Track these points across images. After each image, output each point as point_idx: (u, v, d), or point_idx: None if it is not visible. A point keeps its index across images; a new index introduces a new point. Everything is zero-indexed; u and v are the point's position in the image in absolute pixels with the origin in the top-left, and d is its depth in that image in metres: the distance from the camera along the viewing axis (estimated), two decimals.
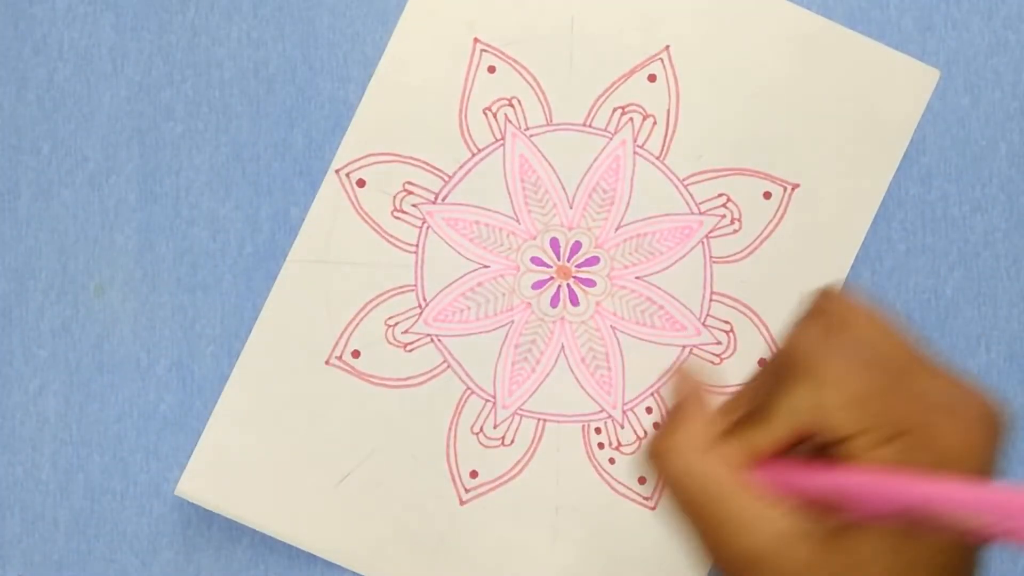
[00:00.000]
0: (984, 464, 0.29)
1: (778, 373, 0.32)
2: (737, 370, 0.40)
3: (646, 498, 0.40)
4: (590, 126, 0.40)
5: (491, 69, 0.40)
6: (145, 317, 0.41)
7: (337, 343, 0.40)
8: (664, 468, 0.33)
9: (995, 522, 0.26)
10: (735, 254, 0.40)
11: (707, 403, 0.34)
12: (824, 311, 0.34)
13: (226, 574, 0.41)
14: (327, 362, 0.40)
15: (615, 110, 0.40)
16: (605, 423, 0.40)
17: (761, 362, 0.40)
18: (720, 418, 0.33)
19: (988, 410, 0.31)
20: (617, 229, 0.40)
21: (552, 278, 0.40)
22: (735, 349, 0.40)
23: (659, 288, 0.40)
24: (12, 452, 0.41)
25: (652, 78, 0.40)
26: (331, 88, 0.41)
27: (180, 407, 0.41)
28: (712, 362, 0.40)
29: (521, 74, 0.40)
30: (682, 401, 0.34)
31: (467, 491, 0.40)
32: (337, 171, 0.40)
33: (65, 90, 0.42)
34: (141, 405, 0.41)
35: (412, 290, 0.40)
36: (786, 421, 0.32)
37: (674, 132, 0.40)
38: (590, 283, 0.40)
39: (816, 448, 0.31)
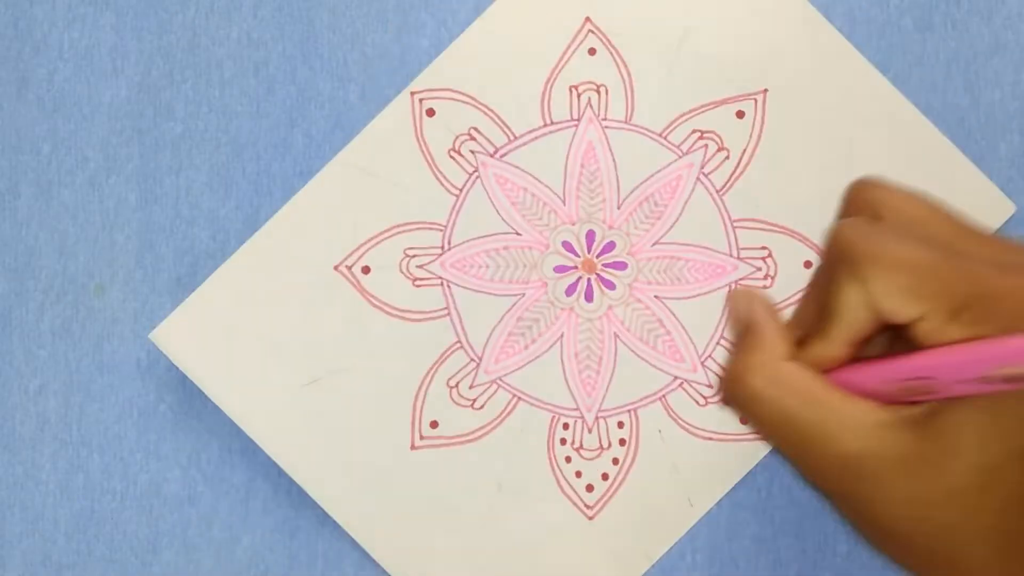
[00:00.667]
0: None
1: (829, 274, 0.32)
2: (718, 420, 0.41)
3: (588, 506, 0.40)
4: (665, 139, 0.40)
5: (591, 51, 0.40)
6: (145, 317, 0.41)
7: (352, 253, 0.40)
8: (745, 389, 0.32)
9: None
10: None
11: (775, 318, 0.34)
12: (861, 201, 0.33)
13: (226, 574, 0.41)
14: (336, 267, 0.40)
15: (694, 131, 0.40)
16: (575, 422, 0.40)
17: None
18: (790, 330, 0.33)
19: None
20: (654, 244, 0.40)
21: (576, 268, 0.40)
22: None
23: (673, 315, 0.40)
24: (12, 452, 0.41)
25: (740, 114, 0.40)
26: (331, 88, 0.41)
27: (180, 407, 0.41)
28: (704, 395, 0.40)
29: (618, 66, 0.40)
30: (749, 321, 0.34)
31: (421, 438, 0.40)
32: (413, 93, 0.40)
33: (65, 90, 0.42)
34: (141, 405, 0.41)
35: (441, 229, 0.40)
36: (847, 322, 0.31)
37: (742, 172, 0.40)
38: (610, 285, 0.40)
39: (898, 336, 0.31)
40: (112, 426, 0.41)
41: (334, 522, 0.41)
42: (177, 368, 0.41)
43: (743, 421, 0.38)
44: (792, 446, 0.32)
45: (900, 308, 0.30)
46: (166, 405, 0.41)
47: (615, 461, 0.40)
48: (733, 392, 0.33)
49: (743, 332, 0.34)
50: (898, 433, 0.30)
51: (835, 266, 0.31)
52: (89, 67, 0.42)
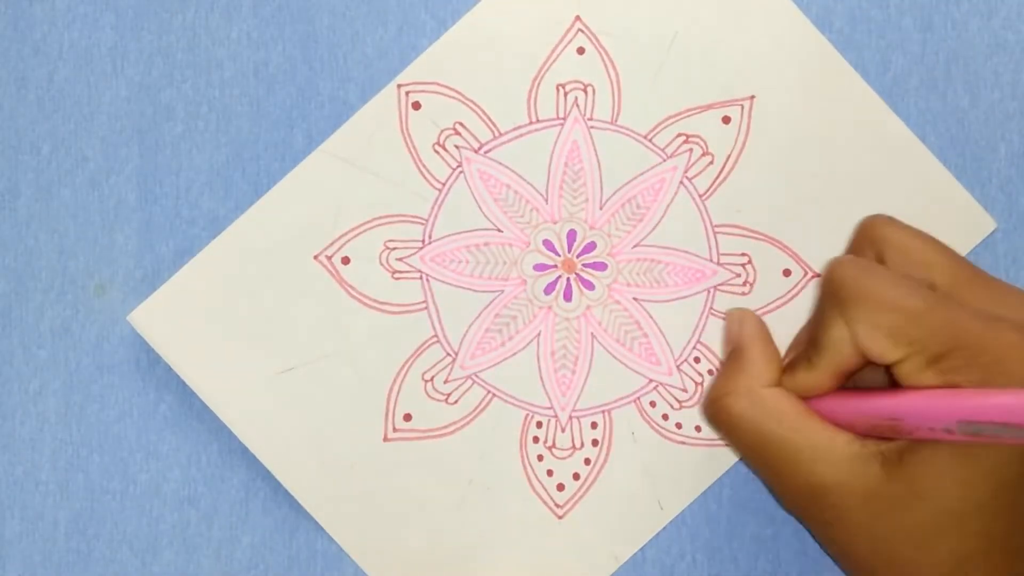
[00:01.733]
0: None
1: (821, 307, 0.32)
2: (691, 423, 0.40)
3: (558, 504, 0.40)
4: (650, 141, 0.40)
5: (580, 50, 0.40)
6: None
7: (332, 243, 0.40)
8: (726, 410, 0.33)
9: None
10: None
11: (764, 342, 0.34)
12: (868, 238, 0.33)
13: (226, 574, 0.41)
14: (315, 257, 0.40)
15: (679, 135, 0.40)
16: (548, 420, 0.40)
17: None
18: (776, 356, 0.33)
19: None
20: (635, 247, 0.40)
21: (556, 266, 0.40)
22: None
23: (651, 318, 0.40)
24: (12, 452, 0.41)
25: (727, 120, 0.40)
26: (331, 88, 0.41)
27: (180, 407, 0.41)
28: (679, 400, 0.40)
29: (606, 66, 0.40)
30: (738, 344, 0.34)
31: (395, 430, 0.40)
32: (400, 85, 0.40)
33: (65, 90, 0.42)
34: (141, 405, 0.41)
35: (422, 223, 0.40)
36: (831, 356, 0.32)
37: (726, 178, 0.40)
38: (589, 286, 0.40)
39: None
40: (112, 426, 0.41)
41: None
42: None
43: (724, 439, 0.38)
44: (767, 469, 0.33)
45: (881, 351, 0.30)
46: (166, 405, 0.41)
47: (587, 461, 0.40)
48: (715, 412, 0.34)
49: (731, 354, 0.34)
50: (868, 467, 0.30)
51: (827, 301, 0.32)
52: (89, 67, 0.42)
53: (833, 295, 0.32)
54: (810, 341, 0.33)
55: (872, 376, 0.33)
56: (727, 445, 0.39)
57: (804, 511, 0.33)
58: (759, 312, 0.39)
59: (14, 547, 0.41)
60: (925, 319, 0.30)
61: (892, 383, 0.31)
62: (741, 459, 0.36)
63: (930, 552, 0.29)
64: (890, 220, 0.33)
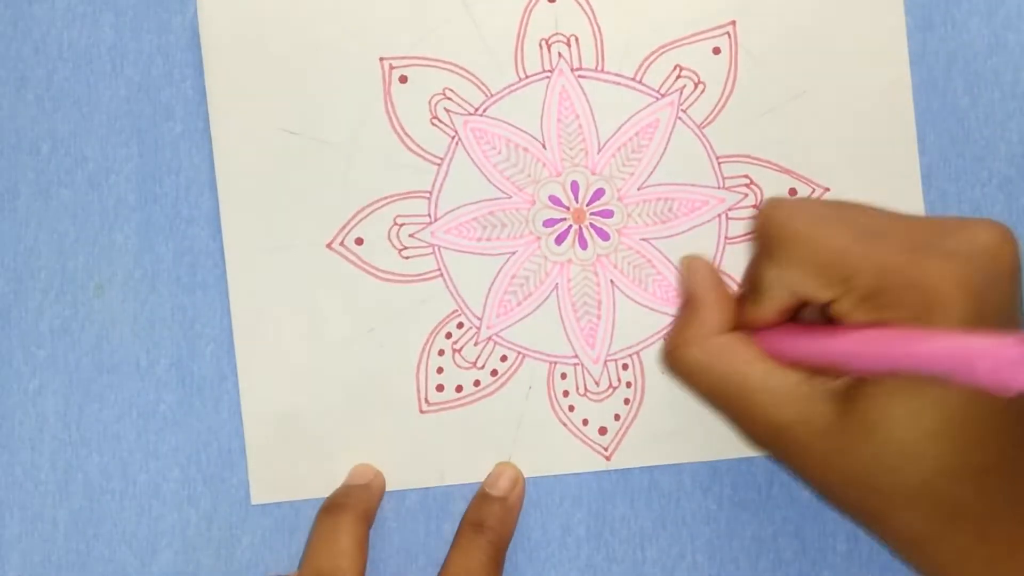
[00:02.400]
0: (988, 299, 0.28)
1: (755, 250, 0.33)
2: None
3: (604, 447, 0.40)
4: (640, 82, 0.40)
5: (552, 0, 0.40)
6: (145, 317, 0.41)
7: (343, 229, 0.40)
8: (682, 360, 0.33)
9: (968, 373, 0.25)
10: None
11: (717, 289, 0.34)
12: (764, 236, 0.33)
13: (226, 574, 0.41)
14: (328, 245, 0.40)
15: (675, 67, 0.40)
16: (575, 369, 0.41)
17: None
18: (728, 302, 0.34)
19: (985, 238, 0.29)
20: (640, 188, 0.40)
21: (565, 218, 0.40)
22: None
23: (663, 255, 0.40)
24: (12, 452, 0.41)
25: (717, 51, 0.40)
26: None
27: (180, 407, 0.41)
28: None
29: (585, 12, 0.40)
30: (690, 293, 0.35)
31: (428, 403, 0.40)
32: (382, 59, 0.40)
33: (65, 90, 0.41)
34: (141, 405, 0.41)
35: (427, 198, 0.40)
36: (771, 298, 0.32)
37: (723, 108, 0.40)
38: (602, 233, 0.41)
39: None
40: (112, 426, 0.41)
41: None
42: (177, 368, 0.41)
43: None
44: (727, 413, 0.33)
45: (812, 291, 0.31)
46: (166, 405, 0.41)
47: (626, 401, 0.41)
48: (671, 362, 0.34)
49: (684, 303, 0.35)
50: (820, 406, 0.30)
51: (758, 244, 0.32)
52: (89, 67, 0.42)
53: (762, 238, 0.32)
54: (750, 282, 0.33)
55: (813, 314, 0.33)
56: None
57: (769, 450, 0.33)
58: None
59: (14, 547, 0.41)
60: (850, 257, 0.30)
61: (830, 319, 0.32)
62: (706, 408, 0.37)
63: (893, 478, 0.30)
64: (780, 206, 0.33)
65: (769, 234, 0.31)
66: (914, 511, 0.30)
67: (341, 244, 0.40)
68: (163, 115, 0.41)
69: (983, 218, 0.30)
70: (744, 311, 0.34)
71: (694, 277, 0.35)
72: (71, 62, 0.42)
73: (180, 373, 0.41)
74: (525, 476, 0.41)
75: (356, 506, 0.39)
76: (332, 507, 0.39)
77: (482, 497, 0.40)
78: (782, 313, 0.33)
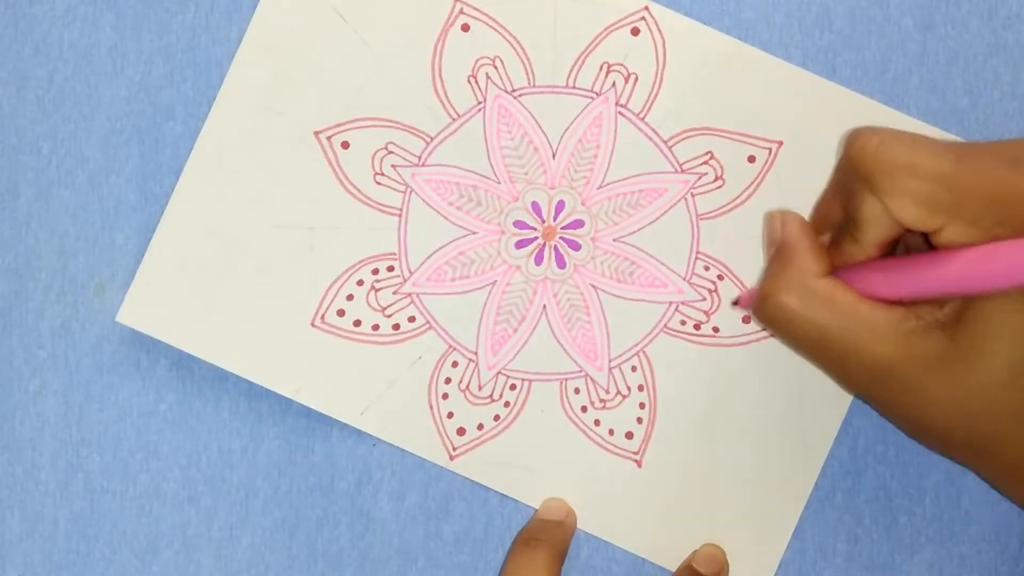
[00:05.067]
0: None
1: (850, 184, 0.32)
2: (725, 324, 0.40)
3: (633, 453, 0.40)
4: (573, 86, 0.40)
5: (635, 31, 0.40)
6: None
7: (320, 304, 0.40)
8: (778, 307, 0.33)
9: None
10: (721, 207, 0.40)
11: (808, 236, 0.34)
12: (857, 172, 0.33)
13: (226, 574, 0.41)
14: (312, 324, 0.40)
15: (602, 66, 0.40)
16: (584, 381, 0.40)
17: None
18: (822, 249, 0.33)
19: None
20: (599, 188, 0.40)
21: (537, 238, 0.40)
22: (718, 305, 0.40)
23: (638, 248, 0.40)
24: (12, 452, 0.41)
25: (635, 31, 0.40)
26: None
27: (180, 407, 0.41)
28: (700, 320, 0.40)
29: (501, 34, 0.40)
30: (782, 241, 0.34)
31: (455, 448, 0.40)
32: (317, 133, 0.40)
33: (65, 90, 0.42)
34: (141, 405, 0.41)
35: (395, 259, 0.40)
36: (873, 230, 0.31)
37: (657, 91, 0.40)
38: (575, 245, 0.40)
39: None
40: (112, 426, 0.41)
41: (334, 522, 0.41)
42: (177, 368, 0.41)
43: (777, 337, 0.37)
44: (829, 359, 0.33)
45: (919, 221, 0.30)
46: (166, 405, 0.41)
47: (641, 405, 0.40)
48: (767, 310, 0.33)
49: (777, 252, 0.34)
50: (928, 338, 0.30)
51: (854, 177, 0.31)
52: (89, 67, 0.42)
53: (858, 171, 0.31)
54: (848, 217, 0.33)
55: (914, 242, 0.33)
56: (783, 342, 0.38)
57: (872, 392, 0.33)
58: (751, 194, 0.40)
59: (14, 547, 0.41)
60: (955, 180, 0.29)
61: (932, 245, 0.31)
62: (803, 356, 0.36)
63: (1005, 401, 0.30)
64: (872, 136, 0.32)
65: (869, 164, 0.30)
66: None
67: (323, 320, 0.40)
68: (163, 115, 0.41)
69: None
70: (840, 249, 0.33)
71: (786, 227, 0.34)
72: (71, 62, 0.42)
73: (180, 373, 0.41)
74: (561, 496, 0.40)
75: (553, 543, 0.38)
76: (530, 541, 0.39)
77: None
78: (882, 247, 0.32)
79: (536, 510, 0.40)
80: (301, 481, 0.41)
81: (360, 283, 0.40)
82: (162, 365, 0.41)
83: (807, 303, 0.32)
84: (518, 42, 0.40)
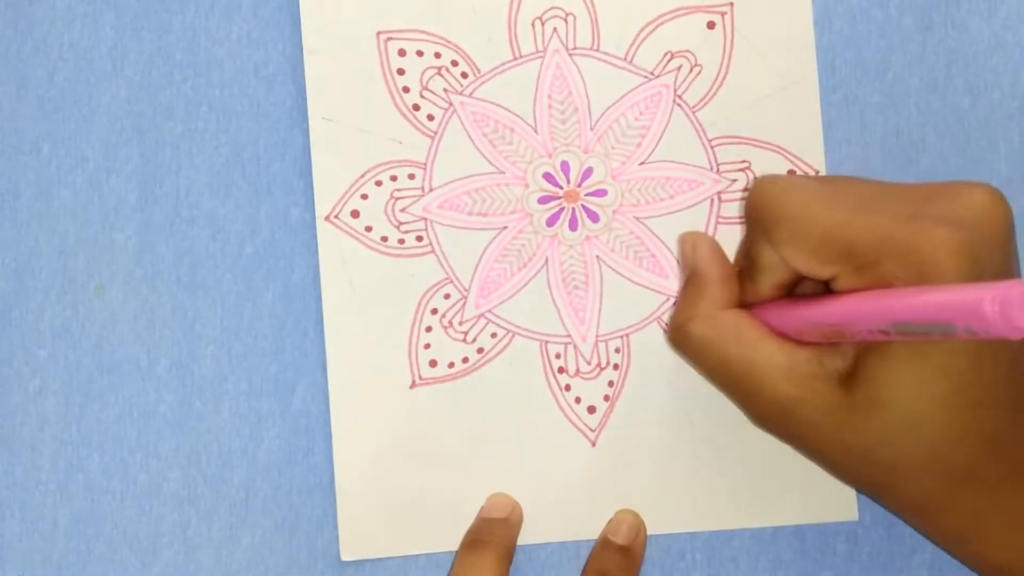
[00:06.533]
0: (984, 261, 0.28)
1: (750, 230, 0.33)
2: None
3: (591, 429, 0.40)
4: (631, 62, 0.40)
5: None
6: (145, 317, 0.41)
7: (339, 202, 0.40)
8: (690, 335, 0.33)
9: (967, 322, 0.24)
10: (743, 217, 0.40)
11: (719, 263, 0.34)
12: (754, 220, 0.33)
13: (226, 574, 0.41)
14: (327, 218, 0.40)
15: (666, 54, 0.40)
16: (566, 348, 0.40)
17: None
18: (731, 277, 0.34)
19: (979, 201, 0.29)
20: (632, 166, 0.40)
21: (559, 198, 0.40)
22: None
23: (654, 233, 0.40)
24: (12, 452, 0.41)
25: (711, 25, 0.40)
26: None
27: (180, 407, 0.41)
28: None
29: None
30: (693, 268, 0.35)
31: (421, 378, 0.40)
32: (379, 33, 0.40)
33: (65, 90, 0.42)
34: (141, 405, 0.41)
35: (422, 168, 0.40)
36: (768, 274, 0.32)
37: (718, 89, 0.40)
38: (593, 216, 0.40)
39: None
40: (112, 426, 0.41)
41: (334, 522, 0.41)
42: (177, 368, 0.41)
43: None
44: (734, 389, 0.33)
45: (812, 270, 0.31)
46: (166, 405, 0.41)
47: (610, 383, 0.40)
48: (678, 339, 0.34)
49: (688, 279, 0.35)
50: (827, 385, 0.31)
51: (752, 224, 0.32)
52: (89, 67, 0.42)
53: (756, 218, 0.32)
54: (747, 260, 0.33)
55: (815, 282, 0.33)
56: (695, 370, 0.39)
57: (775, 427, 0.33)
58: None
59: (14, 547, 0.41)
60: (847, 232, 0.30)
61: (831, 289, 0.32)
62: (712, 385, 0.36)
63: (902, 450, 0.30)
64: (773, 185, 0.33)
65: (764, 213, 0.31)
66: (925, 479, 0.30)
67: (337, 217, 0.40)
68: (163, 115, 0.41)
69: (974, 181, 0.30)
70: (742, 289, 0.34)
71: (698, 253, 0.35)
72: (71, 62, 0.42)
73: (180, 373, 0.41)
74: (512, 452, 0.40)
75: (499, 543, 0.38)
76: (476, 544, 0.38)
77: (604, 545, 0.39)
78: (780, 289, 0.33)
79: (480, 508, 0.40)
80: (301, 481, 0.41)
81: (379, 184, 0.40)
82: (162, 365, 0.41)
83: (715, 333, 0.33)
84: (594, 5, 0.40)
